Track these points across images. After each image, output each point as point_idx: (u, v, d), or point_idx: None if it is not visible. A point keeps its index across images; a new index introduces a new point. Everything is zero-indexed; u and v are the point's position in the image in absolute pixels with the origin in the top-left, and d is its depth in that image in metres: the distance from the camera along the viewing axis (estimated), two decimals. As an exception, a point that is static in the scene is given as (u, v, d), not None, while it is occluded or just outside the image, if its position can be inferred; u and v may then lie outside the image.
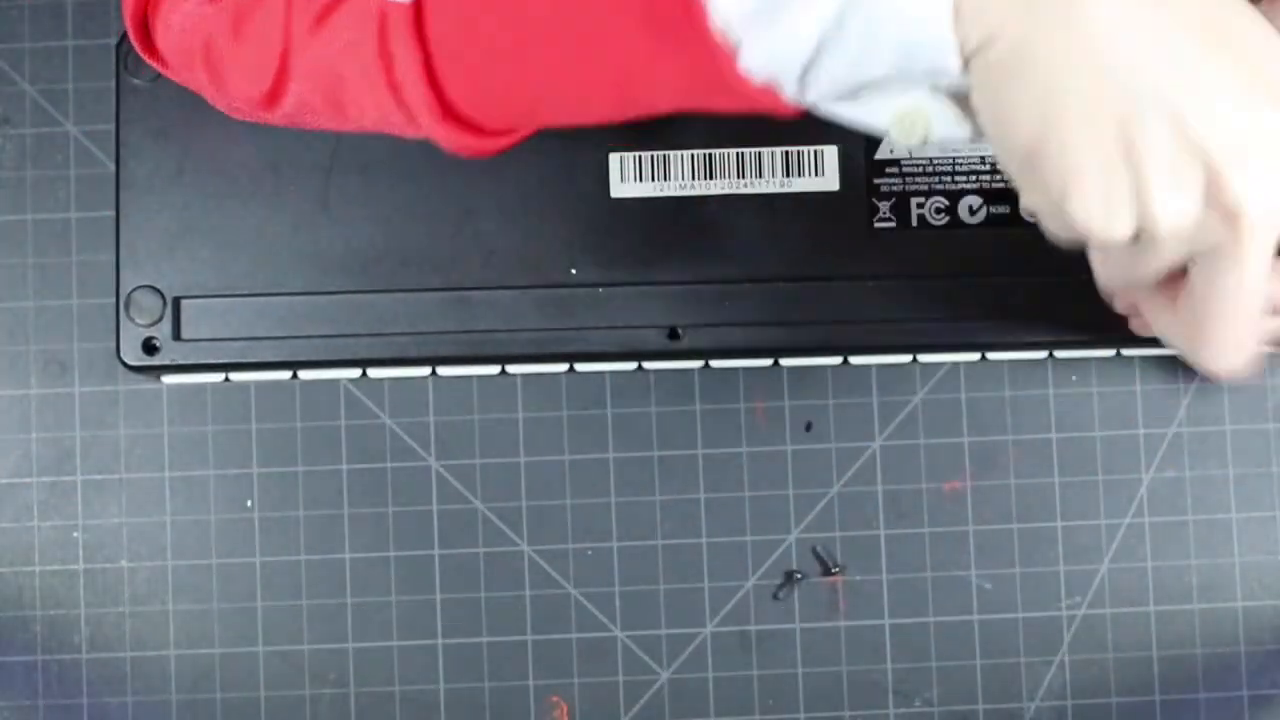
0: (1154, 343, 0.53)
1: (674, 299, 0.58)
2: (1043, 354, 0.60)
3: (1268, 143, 0.39)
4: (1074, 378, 0.61)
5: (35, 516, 0.62)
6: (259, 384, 0.62)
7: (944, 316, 0.58)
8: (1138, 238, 0.41)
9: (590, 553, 0.61)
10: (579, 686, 0.61)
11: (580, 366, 0.59)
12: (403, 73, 0.45)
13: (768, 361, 0.60)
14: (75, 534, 0.61)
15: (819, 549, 0.61)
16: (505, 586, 0.61)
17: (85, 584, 0.61)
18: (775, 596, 0.61)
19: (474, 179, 0.58)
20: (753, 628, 0.61)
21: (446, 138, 0.46)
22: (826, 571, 0.61)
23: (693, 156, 0.58)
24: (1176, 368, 0.61)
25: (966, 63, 0.40)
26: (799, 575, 0.61)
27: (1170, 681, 0.61)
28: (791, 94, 0.41)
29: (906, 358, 0.60)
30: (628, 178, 0.58)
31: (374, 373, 0.60)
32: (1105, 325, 0.55)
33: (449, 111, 0.46)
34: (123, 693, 0.61)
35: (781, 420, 0.62)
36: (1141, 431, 0.62)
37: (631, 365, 0.59)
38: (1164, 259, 0.43)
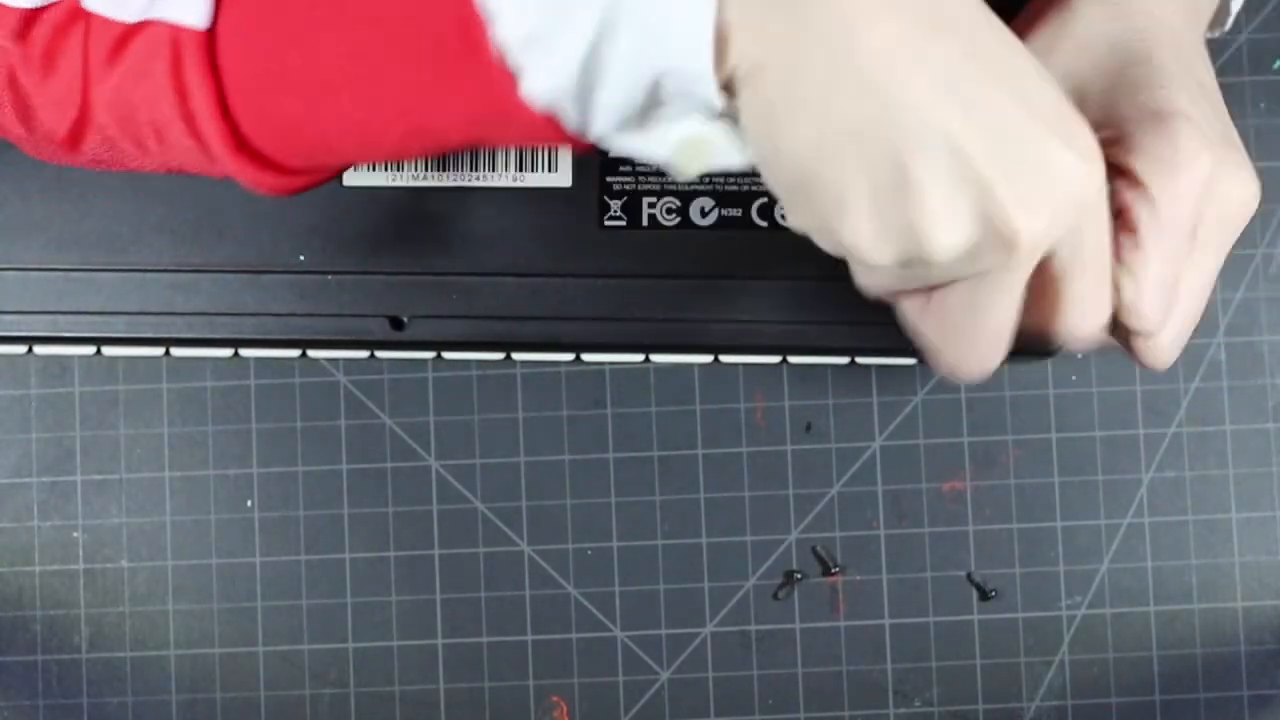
0: (887, 353, 0.55)
1: (401, 289, 0.58)
2: (777, 359, 0.60)
3: (1043, 171, 0.39)
4: (1074, 377, 0.62)
5: (35, 516, 0.62)
6: (259, 385, 0.62)
7: (672, 317, 0.58)
8: (908, 260, 0.41)
9: (590, 553, 0.61)
10: (579, 686, 0.61)
11: (313, 353, 0.59)
12: (196, 104, 0.43)
13: (499, 355, 0.60)
14: (75, 534, 0.61)
15: (819, 549, 0.61)
16: (505, 586, 0.61)
17: (85, 584, 0.61)
18: (775, 596, 0.61)
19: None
20: (753, 628, 0.61)
21: (242, 172, 0.45)
22: (826, 571, 0.61)
23: None
24: (1178, 365, 0.61)
25: (732, 88, 0.39)
26: (799, 575, 0.61)
27: (1170, 681, 0.61)
28: (575, 125, 0.41)
29: (639, 357, 0.60)
30: (360, 166, 0.58)
31: (109, 350, 0.59)
32: (835, 334, 0.56)
33: (244, 145, 0.45)
34: (123, 693, 0.61)
35: (781, 420, 0.62)
36: (1141, 431, 0.62)
37: (363, 353, 0.59)
38: (931, 279, 0.42)
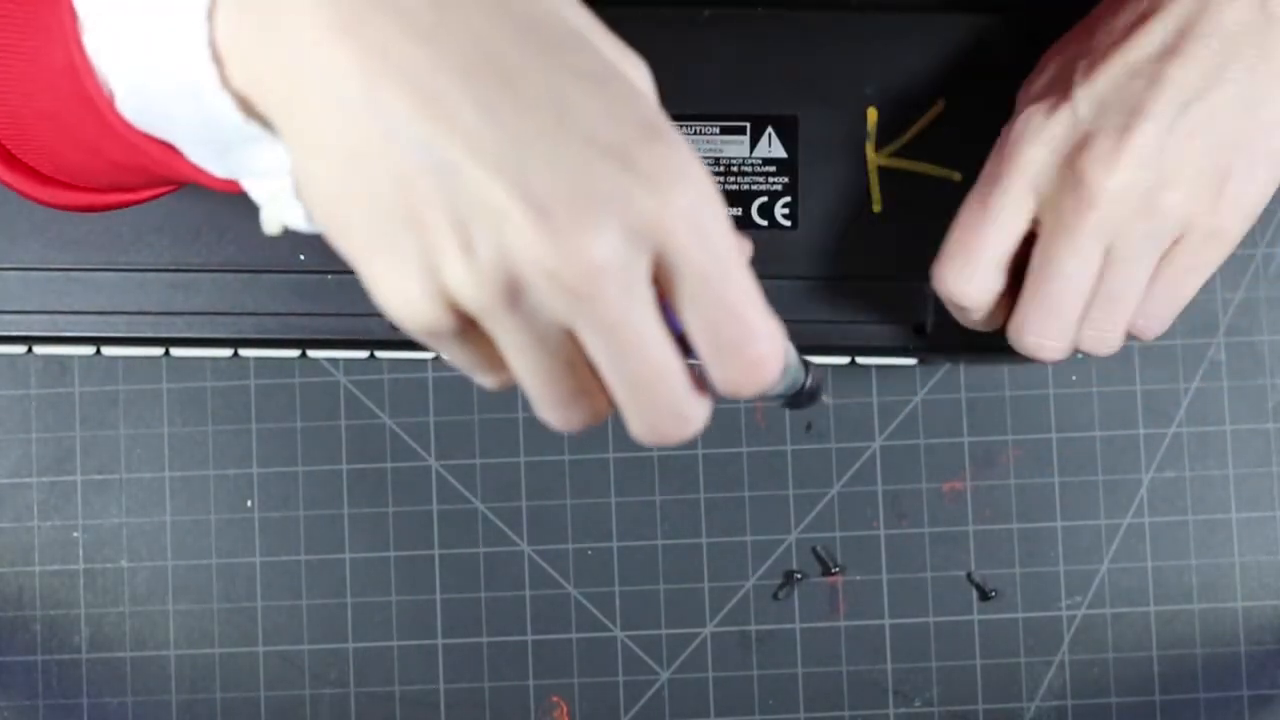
0: (887, 353, 0.56)
1: None
2: None
3: (583, 194, 0.32)
4: (1074, 378, 0.62)
5: (35, 516, 0.62)
6: (259, 385, 0.62)
7: None
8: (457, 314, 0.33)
9: (590, 553, 0.61)
10: (579, 686, 0.61)
11: (313, 353, 0.59)
12: None
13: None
14: (75, 534, 0.61)
15: (819, 549, 0.61)
16: (505, 586, 0.61)
17: (85, 584, 0.61)
18: (775, 596, 0.61)
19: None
20: (753, 628, 0.61)
21: (20, 184, 0.43)
22: (826, 571, 0.61)
23: None
24: (1178, 366, 0.61)
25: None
26: (799, 575, 0.61)
27: (1170, 681, 0.61)
28: (191, 156, 0.38)
29: None
30: None
31: (109, 350, 0.59)
32: (835, 334, 0.57)
33: (14, 160, 0.43)
34: (123, 693, 0.61)
35: (781, 420, 0.62)
36: (1141, 431, 0.62)
37: (363, 354, 0.59)
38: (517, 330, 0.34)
